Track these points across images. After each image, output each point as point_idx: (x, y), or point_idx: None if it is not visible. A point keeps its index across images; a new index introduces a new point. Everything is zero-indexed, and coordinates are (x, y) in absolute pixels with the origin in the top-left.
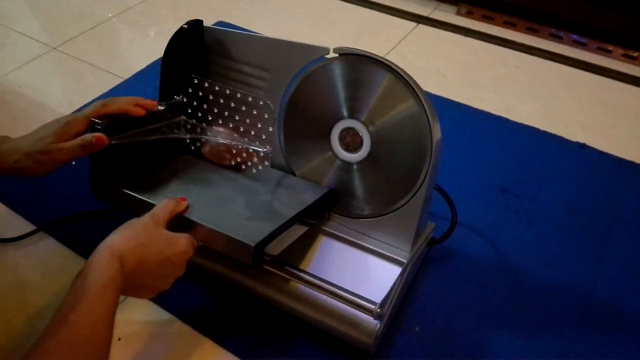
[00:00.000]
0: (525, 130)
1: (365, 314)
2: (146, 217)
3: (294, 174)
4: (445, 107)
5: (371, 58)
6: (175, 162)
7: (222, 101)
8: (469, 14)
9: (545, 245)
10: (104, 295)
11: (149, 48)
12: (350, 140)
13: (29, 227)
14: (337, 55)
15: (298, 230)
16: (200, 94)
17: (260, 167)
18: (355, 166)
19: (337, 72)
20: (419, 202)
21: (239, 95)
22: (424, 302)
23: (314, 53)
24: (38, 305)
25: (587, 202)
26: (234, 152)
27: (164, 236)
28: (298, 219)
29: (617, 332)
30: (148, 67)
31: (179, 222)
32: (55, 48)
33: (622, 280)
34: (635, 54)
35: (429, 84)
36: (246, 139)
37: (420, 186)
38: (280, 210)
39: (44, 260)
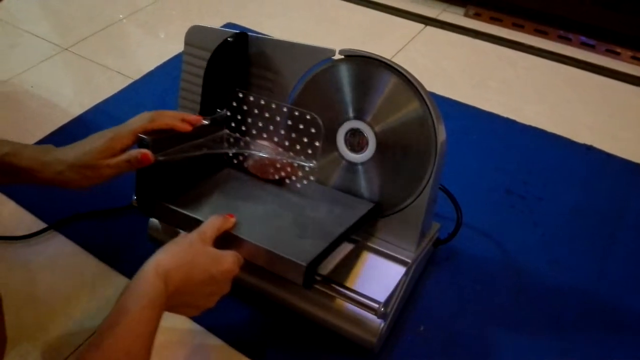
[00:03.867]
0: (532, 132)
1: (369, 312)
2: (193, 235)
3: None
4: (452, 109)
5: (377, 60)
6: (218, 175)
7: (267, 115)
8: (477, 16)
9: (550, 247)
10: (144, 315)
11: (158, 49)
12: (356, 141)
13: (39, 225)
14: (343, 57)
15: (344, 248)
16: (245, 107)
17: (305, 182)
18: (360, 167)
19: (343, 74)
20: (424, 202)
21: (285, 109)
22: (429, 302)
23: (321, 55)
24: (47, 302)
25: (593, 204)
26: (278, 166)
27: (210, 254)
28: (347, 236)
29: (621, 333)
30: (157, 68)
31: (226, 239)
32: (66, 49)
33: (626, 282)
34: None
35: (437, 85)
36: (291, 153)
37: (425, 187)
38: (328, 228)
39: (53, 258)
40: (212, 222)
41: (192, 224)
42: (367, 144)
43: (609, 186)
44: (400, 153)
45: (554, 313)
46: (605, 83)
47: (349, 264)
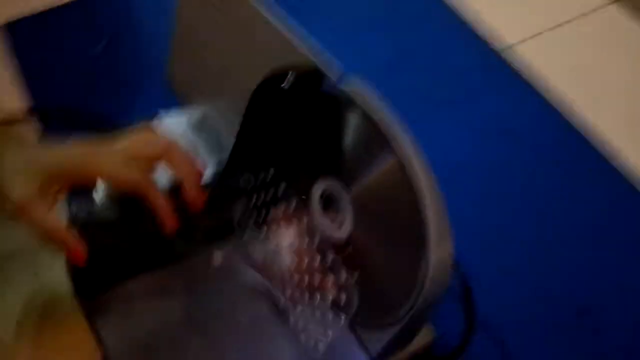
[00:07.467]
0: None
1: None
2: None
3: None
4: (575, 146)
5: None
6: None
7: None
8: None
9: None
10: None
11: None
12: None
13: None
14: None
15: None
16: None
17: (329, 334)
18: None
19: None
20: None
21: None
22: None
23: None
24: None
25: None
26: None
27: None
28: None
29: None
30: None
31: None
32: None
33: None
34: None
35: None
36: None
37: (401, 319)
38: None
39: None
40: None
41: None
42: (343, 218)
43: None
44: (375, 244)
45: None
46: None
47: None
